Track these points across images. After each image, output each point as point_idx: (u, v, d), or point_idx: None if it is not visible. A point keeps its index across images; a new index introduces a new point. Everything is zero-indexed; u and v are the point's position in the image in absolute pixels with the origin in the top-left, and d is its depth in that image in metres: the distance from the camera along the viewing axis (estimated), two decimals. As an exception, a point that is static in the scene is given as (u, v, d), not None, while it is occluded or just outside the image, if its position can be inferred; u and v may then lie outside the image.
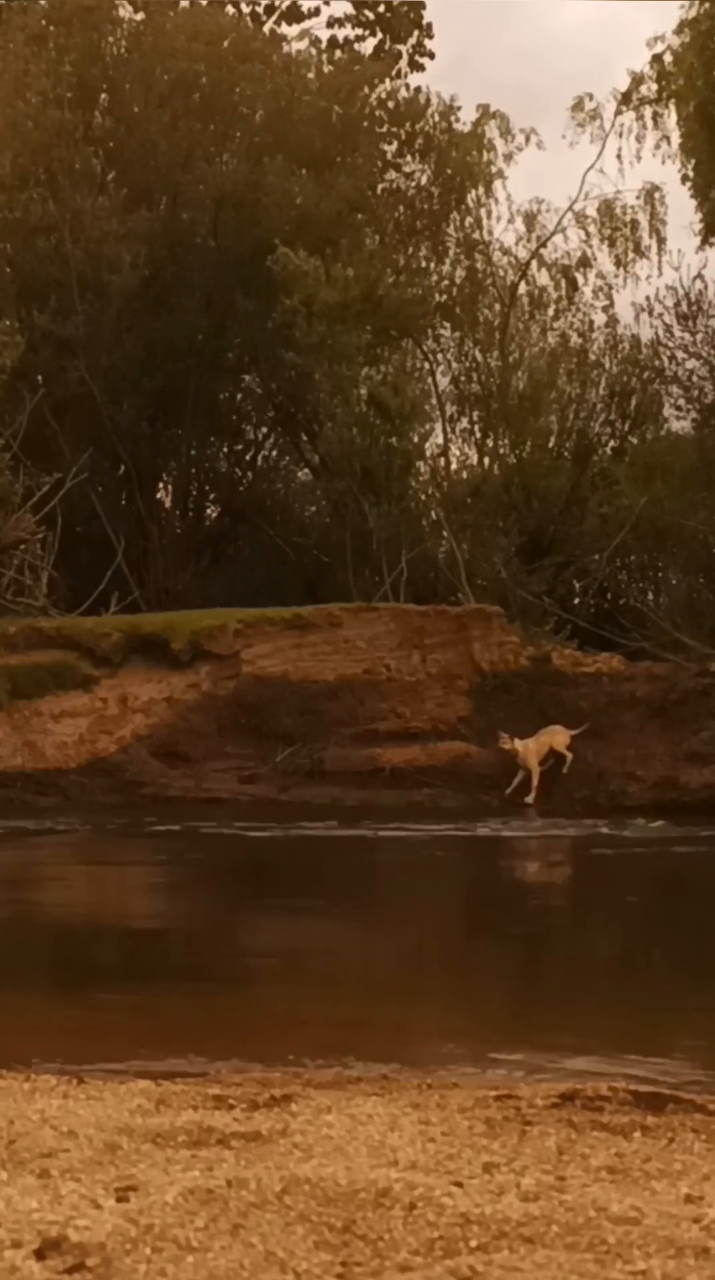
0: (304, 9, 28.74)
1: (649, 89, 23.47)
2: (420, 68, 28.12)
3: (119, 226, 22.57)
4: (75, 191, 22.58)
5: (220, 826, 14.43)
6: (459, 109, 24.95)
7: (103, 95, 24.47)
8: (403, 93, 25.60)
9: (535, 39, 39.41)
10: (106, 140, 23.99)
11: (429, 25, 28.51)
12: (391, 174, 25.23)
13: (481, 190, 24.71)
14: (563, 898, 12.17)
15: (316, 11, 28.80)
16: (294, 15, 28.55)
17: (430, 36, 28.49)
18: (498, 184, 24.79)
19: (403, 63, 27.96)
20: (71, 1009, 6.81)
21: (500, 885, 12.41)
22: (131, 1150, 3.48)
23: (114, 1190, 3.08)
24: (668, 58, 22.86)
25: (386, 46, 28.29)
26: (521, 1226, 2.84)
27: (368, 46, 28.35)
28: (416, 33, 28.50)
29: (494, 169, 24.73)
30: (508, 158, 24.76)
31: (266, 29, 27.29)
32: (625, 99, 23.63)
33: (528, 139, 24.59)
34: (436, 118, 24.91)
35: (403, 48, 28.37)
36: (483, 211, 24.78)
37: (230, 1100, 4.10)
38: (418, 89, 25.70)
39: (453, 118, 24.90)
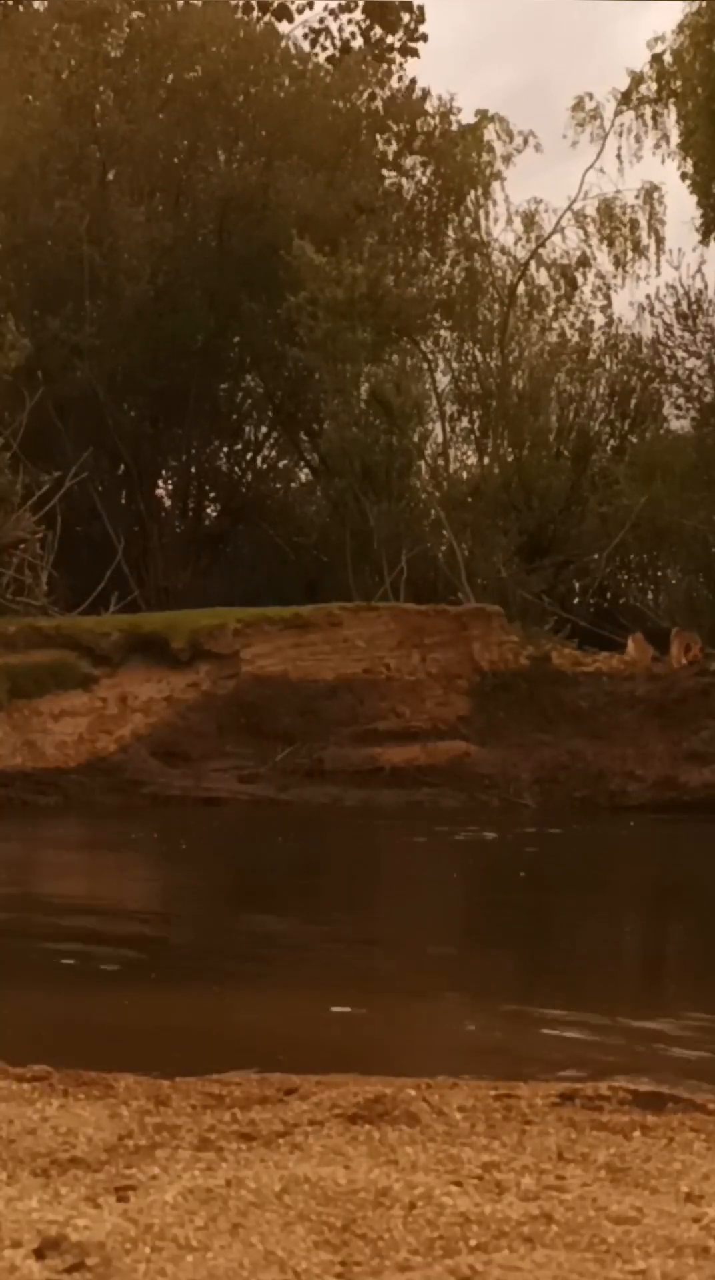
0: (295, 6, 28.67)
1: (649, 89, 23.50)
2: (413, 53, 27.95)
3: (142, 236, 22.53)
4: (96, 197, 22.53)
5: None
6: (459, 109, 25.02)
7: (110, 96, 24.44)
8: (394, 84, 25.58)
9: (541, 39, 39.42)
10: (114, 143, 23.98)
11: (421, 9, 28.34)
12: (392, 173, 25.22)
13: (479, 191, 24.74)
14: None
15: (310, 4, 28.72)
16: (284, 12, 28.46)
17: (421, 20, 28.31)
18: (496, 185, 24.88)
19: (395, 52, 27.84)
20: (72, 1008, 6.79)
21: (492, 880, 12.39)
22: (131, 1150, 3.48)
23: (114, 1190, 3.08)
24: (667, 58, 22.91)
25: (374, 35, 28.15)
26: (521, 1226, 2.84)
27: (360, 42, 28.28)
28: (407, 19, 28.34)
29: (491, 170, 24.76)
30: (506, 159, 24.82)
31: (260, 25, 27.22)
32: (625, 98, 23.66)
33: (526, 141, 24.68)
34: (437, 119, 24.91)
35: (394, 39, 28.24)
36: (481, 213, 24.85)
37: (230, 1100, 4.10)
38: (413, 81, 25.69)
39: (451, 116, 24.91)
